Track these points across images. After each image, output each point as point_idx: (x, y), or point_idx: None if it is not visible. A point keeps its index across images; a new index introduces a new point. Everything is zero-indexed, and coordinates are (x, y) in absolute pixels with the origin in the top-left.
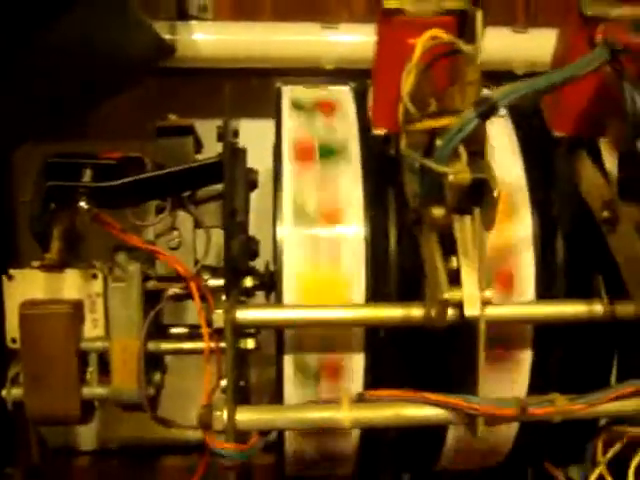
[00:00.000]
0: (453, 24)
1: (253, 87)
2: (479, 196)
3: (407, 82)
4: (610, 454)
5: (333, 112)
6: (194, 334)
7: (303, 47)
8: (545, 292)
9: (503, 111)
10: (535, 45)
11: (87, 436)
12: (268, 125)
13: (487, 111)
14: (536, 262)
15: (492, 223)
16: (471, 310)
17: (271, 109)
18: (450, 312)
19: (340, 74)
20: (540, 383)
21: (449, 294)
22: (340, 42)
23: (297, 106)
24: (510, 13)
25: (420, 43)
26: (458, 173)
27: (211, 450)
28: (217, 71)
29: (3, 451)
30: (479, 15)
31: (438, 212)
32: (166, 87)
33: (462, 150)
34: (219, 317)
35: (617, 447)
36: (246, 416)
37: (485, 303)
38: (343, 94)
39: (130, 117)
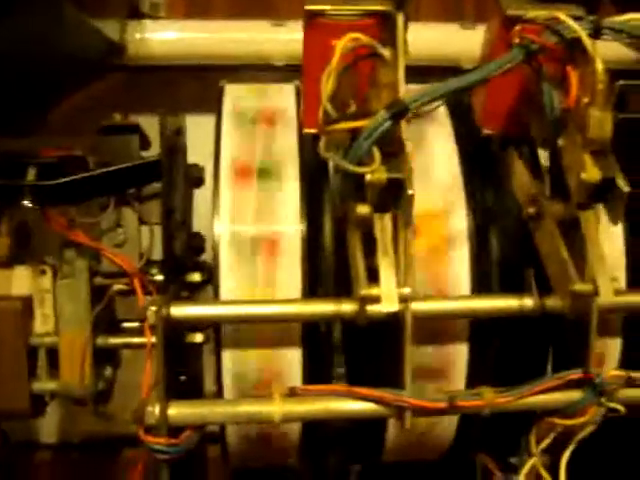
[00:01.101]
0: (375, 26)
1: (205, 84)
2: (397, 195)
3: (327, 84)
4: (542, 445)
5: (274, 117)
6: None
7: (253, 44)
8: (479, 288)
9: (441, 107)
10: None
11: (49, 429)
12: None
13: (399, 113)
14: (470, 258)
15: (410, 222)
16: (388, 306)
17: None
18: (374, 309)
19: (290, 71)
20: (476, 377)
21: (366, 291)
22: (289, 39)
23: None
24: (459, 9)
25: (339, 46)
26: (374, 173)
27: (145, 445)
28: (168, 68)
29: None
30: (400, 18)
31: (362, 210)
32: (118, 84)
33: (376, 150)
34: (152, 313)
35: (549, 439)
36: (178, 411)
37: (404, 300)
38: (285, 93)
39: (84, 114)
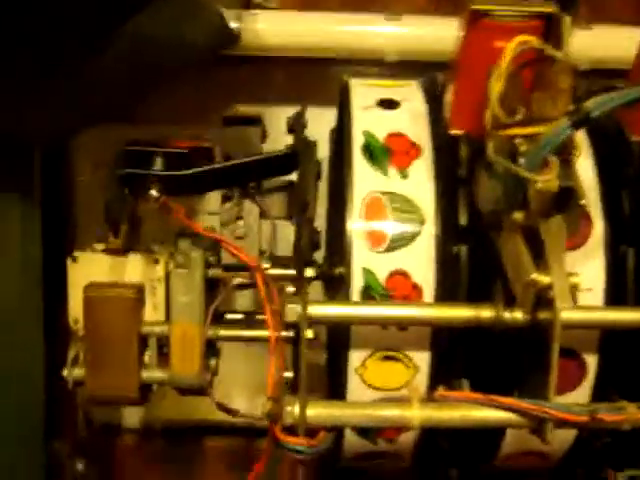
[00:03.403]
0: (540, 29)
1: (309, 76)
2: (564, 203)
3: (496, 87)
4: None
5: (403, 107)
6: (250, 321)
7: (366, 38)
8: (615, 298)
9: None
10: (599, 43)
11: (131, 415)
12: (321, 113)
13: (581, 121)
14: (606, 267)
15: (576, 229)
16: (563, 300)
17: (328, 98)
18: (520, 315)
19: (400, 66)
20: (603, 389)
21: (536, 275)
22: (403, 34)
23: (365, 102)
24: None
25: (510, 48)
26: (547, 181)
27: (281, 445)
28: (278, 59)
29: (51, 426)
30: (567, 20)
31: (519, 216)
32: (222, 75)
33: (553, 158)
34: (292, 312)
35: None
36: (316, 411)
37: (573, 288)
38: (411, 89)
39: (192, 104)
